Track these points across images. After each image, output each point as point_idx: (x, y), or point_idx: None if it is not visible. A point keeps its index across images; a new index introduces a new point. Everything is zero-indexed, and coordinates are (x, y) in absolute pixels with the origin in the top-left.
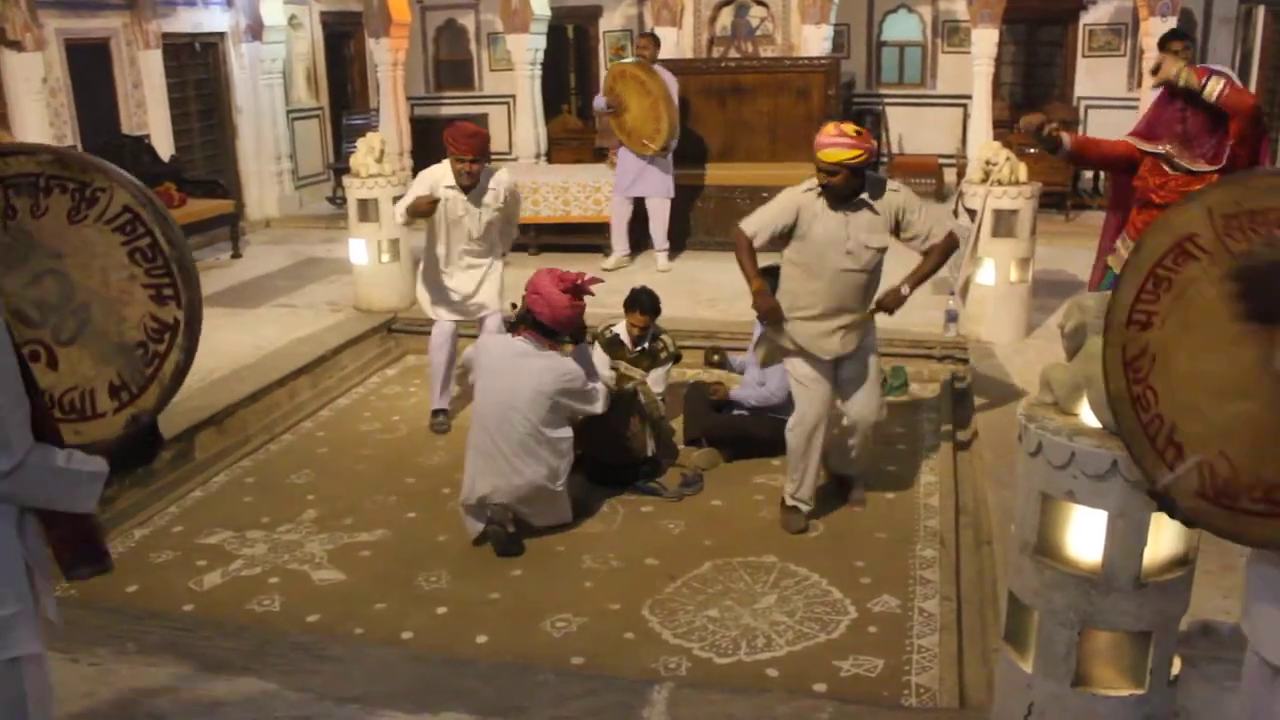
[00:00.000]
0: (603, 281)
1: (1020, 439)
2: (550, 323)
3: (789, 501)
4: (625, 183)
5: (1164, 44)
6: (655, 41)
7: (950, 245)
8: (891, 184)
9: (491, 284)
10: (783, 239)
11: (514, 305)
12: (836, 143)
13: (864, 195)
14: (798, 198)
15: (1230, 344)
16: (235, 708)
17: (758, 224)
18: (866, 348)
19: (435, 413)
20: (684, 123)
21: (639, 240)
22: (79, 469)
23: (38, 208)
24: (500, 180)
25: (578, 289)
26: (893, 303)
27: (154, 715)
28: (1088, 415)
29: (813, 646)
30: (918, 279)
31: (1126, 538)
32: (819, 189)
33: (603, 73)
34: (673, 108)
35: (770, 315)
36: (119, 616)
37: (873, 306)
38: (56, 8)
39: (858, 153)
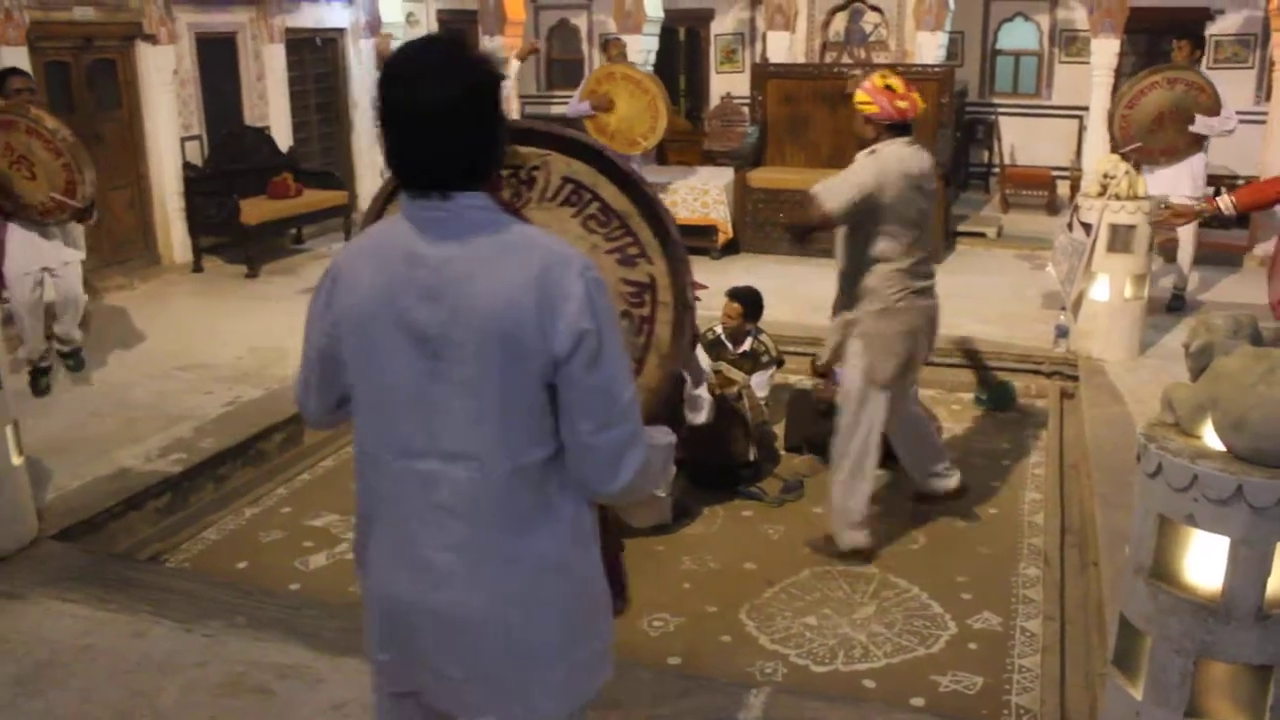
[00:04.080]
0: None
1: (1138, 459)
2: None
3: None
4: None
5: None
6: (621, 43)
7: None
8: (882, 150)
9: None
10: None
11: None
12: (863, 87)
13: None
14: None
15: None
16: (338, 686)
17: None
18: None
19: None
20: (796, 128)
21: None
22: (661, 442)
23: None
24: None
25: None
26: None
27: (261, 688)
28: (1211, 438)
29: (911, 660)
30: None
31: (1249, 566)
32: None
33: (713, 76)
34: (669, 106)
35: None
36: (231, 590)
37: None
38: (190, 3)
39: (866, 100)
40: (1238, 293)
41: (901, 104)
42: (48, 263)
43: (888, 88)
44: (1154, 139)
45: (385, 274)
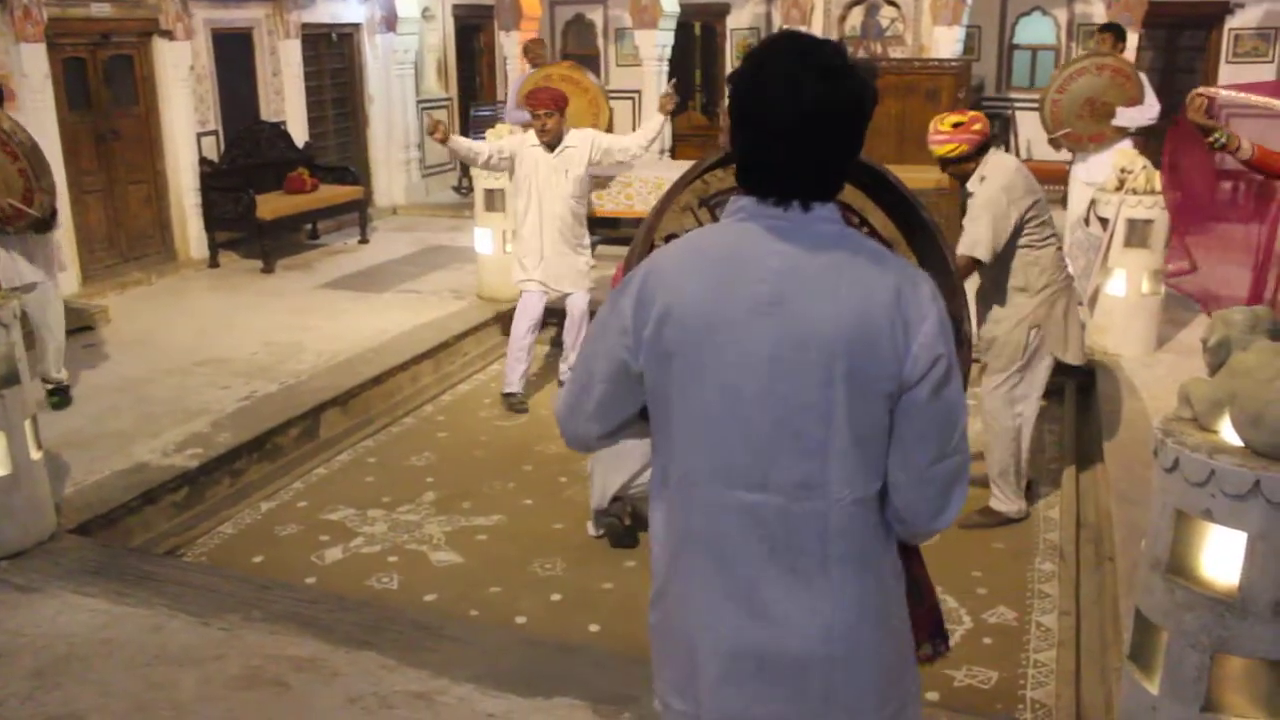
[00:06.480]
0: None
1: (1155, 454)
2: None
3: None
4: None
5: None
6: (543, 43)
7: (963, 273)
8: (993, 175)
9: (587, 260)
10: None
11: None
12: (934, 140)
13: (968, 184)
14: None
15: None
16: (355, 679)
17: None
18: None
19: (507, 395)
20: None
21: None
22: None
23: None
24: (585, 135)
25: None
26: None
27: (278, 681)
28: (1229, 433)
29: None
30: None
31: (1267, 561)
32: None
33: (728, 70)
34: (608, 102)
35: None
36: (246, 585)
37: None
38: None
39: (952, 147)
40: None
41: (977, 126)
42: (14, 280)
43: (955, 125)
44: (1083, 125)
45: (720, 286)
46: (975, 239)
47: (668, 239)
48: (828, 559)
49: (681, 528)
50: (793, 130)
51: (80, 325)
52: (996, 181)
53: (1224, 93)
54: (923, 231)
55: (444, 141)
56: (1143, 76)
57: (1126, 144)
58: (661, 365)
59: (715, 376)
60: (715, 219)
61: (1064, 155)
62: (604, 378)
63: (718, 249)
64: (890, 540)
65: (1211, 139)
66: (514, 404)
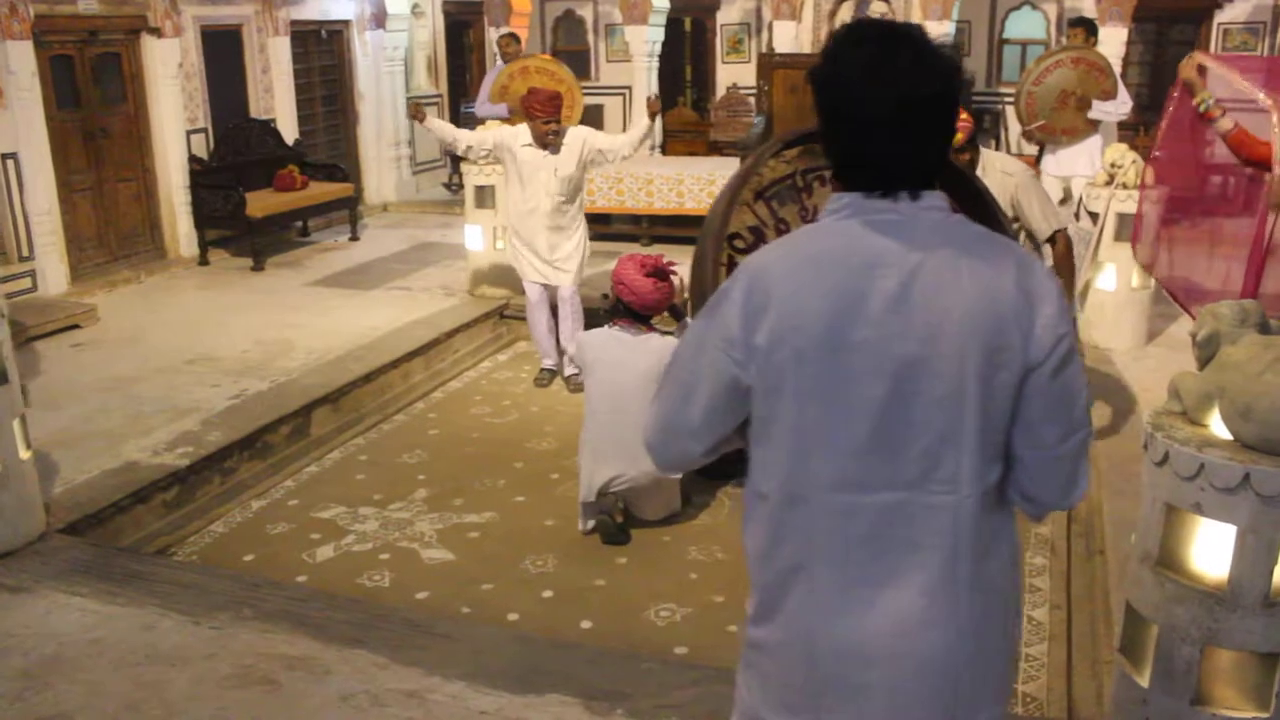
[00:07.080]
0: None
1: (1145, 447)
2: (639, 308)
3: None
4: None
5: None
6: (516, 39)
7: (1069, 249)
8: (1004, 163)
9: (574, 252)
10: None
11: (604, 296)
12: None
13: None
14: None
15: None
16: (346, 678)
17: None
18: None
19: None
20: (803, 117)
21: None
22: None
23: (805, 212)
24: (578, 134)
25: (660, 271)
26: None
27: (269, 680)
28: (1218, 426)
29: None
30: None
31: (1256, 554)
32: None
33: (719, 66)
34: (580, 91)
35: None
36: (237, 583)
37: None
38: None
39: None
40: None
41: (966, 114)
42: None
43: None
44: (1057, 118)
45: (837, 289)
46: (1053, 214)
47: (730, 238)
48: (957, 553)
49: (798, 538)
50: (892, 117)
51: (69, 324)
52: (1012, 164)
53: (1212, 64)
54: (976, 198)
55: (420, 120)
56: (1116, 71)
57: (1097, 138)
58: (777, 375)
59: (843, 381)
60: (771, 211)
61: (1031, 149)
62: (707, 393)
63: (826, 249)
64: (1010, 526)
65: (1198, 99)
66: (538, 378)
